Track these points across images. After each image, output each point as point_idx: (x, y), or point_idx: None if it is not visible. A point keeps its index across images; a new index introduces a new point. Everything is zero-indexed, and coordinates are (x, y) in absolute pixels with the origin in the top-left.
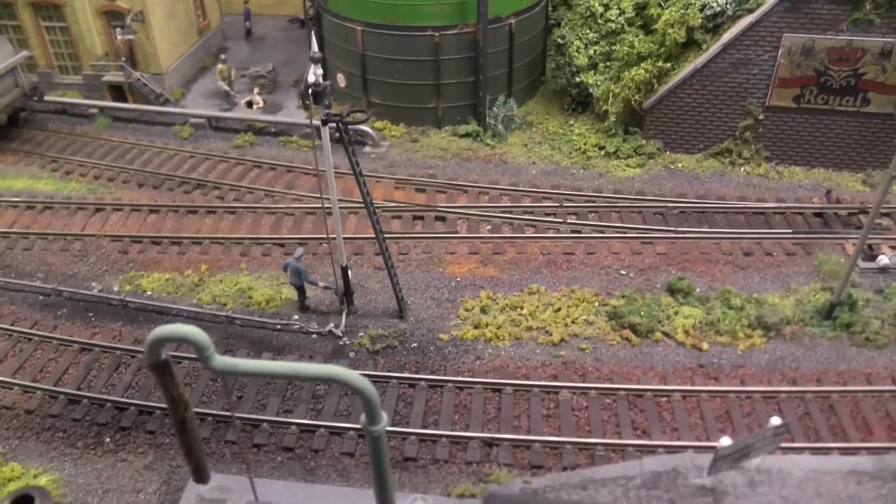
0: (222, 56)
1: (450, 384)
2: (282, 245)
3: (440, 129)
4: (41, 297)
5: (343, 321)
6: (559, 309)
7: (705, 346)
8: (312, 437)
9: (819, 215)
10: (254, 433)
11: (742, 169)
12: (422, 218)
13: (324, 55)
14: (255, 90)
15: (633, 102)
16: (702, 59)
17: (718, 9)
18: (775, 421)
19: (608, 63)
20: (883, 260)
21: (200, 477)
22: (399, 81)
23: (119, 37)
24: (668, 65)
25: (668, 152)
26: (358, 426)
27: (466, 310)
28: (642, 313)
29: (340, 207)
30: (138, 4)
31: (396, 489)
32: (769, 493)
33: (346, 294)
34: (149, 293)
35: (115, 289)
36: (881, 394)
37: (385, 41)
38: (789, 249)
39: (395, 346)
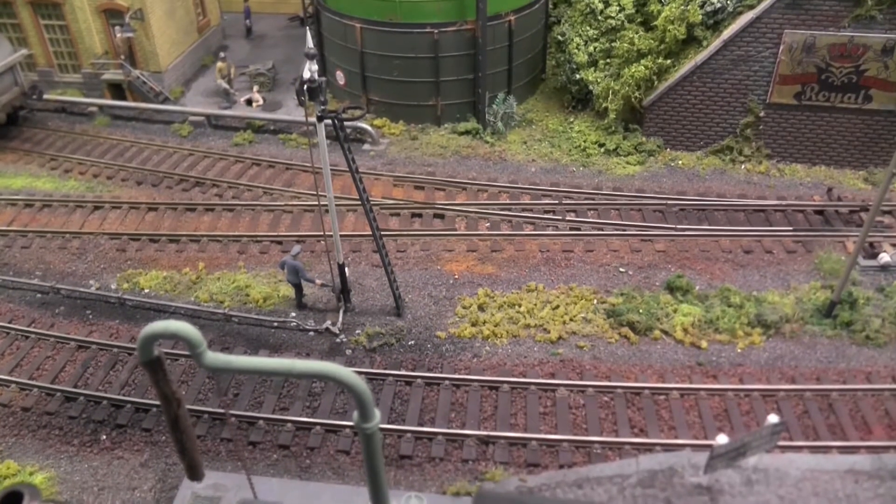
0: (222, 54)
1: (446, 382)
2: (279, 243)
3: (439, 126)
4: (39, 295)
5: (340, 319)
6: (557, 306)
7: (704, 344)
8: (308, 435)
9: (820, 213)
10: (249, 430)
11: (743, 166)
12: (420, 215)
13: (322, 53)
14: (255, 88)
15: (633, 100)
16: (702, 55)
17: (719, 5)
18: (773, 419)
19: (608, 60)
20: (884, 258)
21: (194, 475)
22: (398, 79)
23: (118, 35)
24: (669, 62)
25: (668, 150)
26: (353, 422)
27: (464, 307)
28: (641, 311)
29: (339, 205)
30: (137, 2)
31: (392, 487)
32: (766, 492)
33: (344, 291)
34: (146, 291)
35: (113, 287)
36: (881, 392)
37: (384, 38)
38: (789, 247)
39: (392, 343)
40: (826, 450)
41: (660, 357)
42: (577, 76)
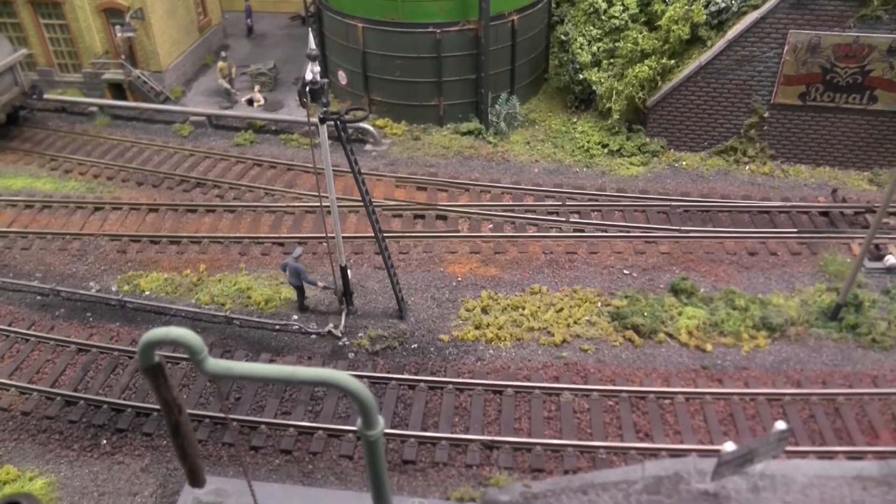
0: (223, 53)
1: (450, 386)
2: (281, 244)
3: (442, 126)
4: (39, 297)
5: (342, 321)
6: (561, 309)
7: (709, 347)
8: (311, 440)
9: (825, 214)
10: (251, 435)
11: (747, 167)
12: (423, 217)
13: (324, 52)
14: (256, 88)
15: (636, 100)
16: (706, 56)
17: (723, 5)
18: (780, 426)
19: (612, 60)
20: (890, 260)
21: (196, 481)
22: (400, 79)
23: (119, 34)
24: (673, 62)
25: (671, 150)
26: (356, 427)
27: (467, 310)
28: (645, 314)
29: (341, 206)
30: (138, 2)
31: (395, 492)
32: (772, 499)
33: (346, 294)
34: (147, 293)
35: (114, 289)
36: (888, 396)
37: (386, 38)
38: (794, 249)
39: (394, 346)
40: (832, 455)
41: (664, 360)
42: (581, 76)
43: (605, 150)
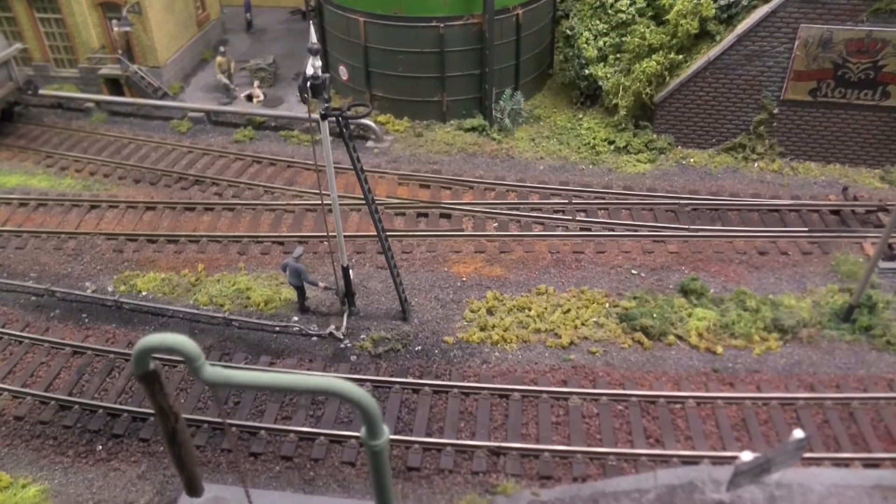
0: (222, 48)
1: (455, 390)
2: (281, 243)
3: (445, 123)
4: (33, 298)
5: (344, 323)
6: (568, 310)
7: (720, 349)
8: (312, 446)
9: (836, 213)
10: (251, 441)
11: (756, 164)
12: (426, 215)
13: (325, 47)
14: (256, 83)
15: (643, 96)
16: (715, 51)
17: None
18: (798, 434)
19: (618, 55)
20: None
21: (193, 490)
22: (403, 74)
23: (116, 29)
24: (681, 57)
25: (679, 147)
26: (359, 434)
27: (472, 311)
28: (654, 315)
29: (342, 204)
30: None
31: (399, 501)
32: None
33: (348, 295)
34: (144, 293)
35: (110, 289)
36: None
37: (388, 33)
38: (805, 249)
39: (398, 349)
40: (848, 462)
41: (674, 363)
42: (587, 71)
43: (612, 147)
